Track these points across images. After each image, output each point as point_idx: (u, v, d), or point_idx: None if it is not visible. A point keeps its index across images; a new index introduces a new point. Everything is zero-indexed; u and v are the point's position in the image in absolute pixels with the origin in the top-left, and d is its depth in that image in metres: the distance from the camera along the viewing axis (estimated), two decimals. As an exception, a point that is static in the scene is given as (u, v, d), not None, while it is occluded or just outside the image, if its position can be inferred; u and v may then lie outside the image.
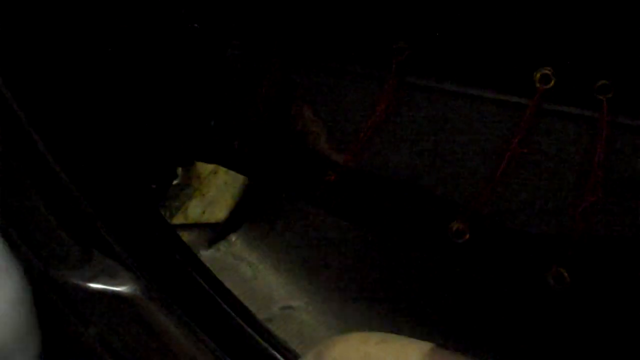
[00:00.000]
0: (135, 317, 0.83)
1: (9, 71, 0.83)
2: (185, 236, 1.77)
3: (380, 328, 1.60)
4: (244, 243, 1.86)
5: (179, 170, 1.41)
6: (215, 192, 1.77)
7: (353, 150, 0.85)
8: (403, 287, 1.64)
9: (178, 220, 1.72)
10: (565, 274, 0.76)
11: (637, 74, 0.73)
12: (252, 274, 1.81)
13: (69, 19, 0.92)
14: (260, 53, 0.94)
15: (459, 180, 0.80)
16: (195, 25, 1.03)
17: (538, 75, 0.77)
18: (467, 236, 0.80)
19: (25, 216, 0.83)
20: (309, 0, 0.91)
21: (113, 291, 0.83)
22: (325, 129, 0.88)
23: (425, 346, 0.74)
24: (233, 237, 1.84)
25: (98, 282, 0.83)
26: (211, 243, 1.81)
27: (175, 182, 1.28)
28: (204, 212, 1.79)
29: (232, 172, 1.42)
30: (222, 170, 1.65)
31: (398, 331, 1.54)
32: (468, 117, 0.80)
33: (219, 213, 1.83)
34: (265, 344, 0.93)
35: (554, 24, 0.77)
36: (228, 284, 1.72)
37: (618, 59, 0.74)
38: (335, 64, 0.88)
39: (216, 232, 1.83)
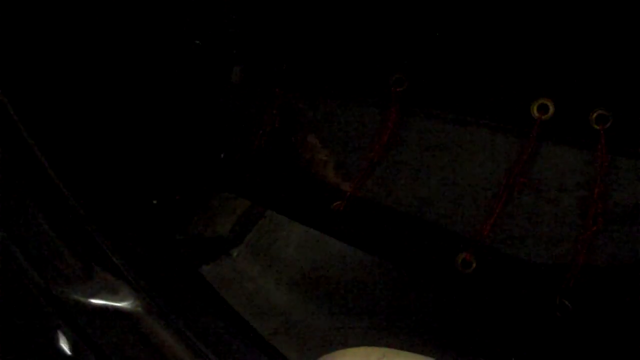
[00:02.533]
0: (136, 332, 0.82)
1: (19, 94, 0.82)
2: (187, 251, 1.76)
3: (382, 342, 1.59)
4: (245, 257, 1.85)
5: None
6: (217, 206, 1.76)
7: (359, 178, 0.85)
8: (404, 301, 1.64)
9: (179, 236, 1.72)
10: (568, 304, 0.76)
11: (635, 104, 0.73)
12: (253, 288, 1.80)
13: (77, 46, 0.92)
14: (263, 81, 0.94)
15: (463, 208, 0.80)
16: (198, 42, 1.03)
17: (536, 105, 0.76)
18: (474, 266, 0.80)
19: (27, 232, 0.82)
20: (308, 30, 0.91)
21: (114, 307, 0.82)
22: (332, 157, 0.88)
23: (424, 362, 0.73)
24: (234, 252, 1.84)
25: (99, 298, 0.82)
26: (213, 258, 1.81)
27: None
28: (205, 229, 1.78)
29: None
30: (223, 185, 1.64)
31: (399, 345, 1.53)
32: (469, 145, 0.80)
33: (221, 228, 1.83)
34: (266, 359, 0.93)
35: (551, 55, 0.76)
36: (229, 298, 1.72)
37: (615, 90, 0.74)
38: (338, 94, 0.88)
39: (217, 248, 1.83)
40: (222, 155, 0.98)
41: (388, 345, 1.53)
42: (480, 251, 0.80)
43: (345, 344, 1.58)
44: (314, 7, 0.92)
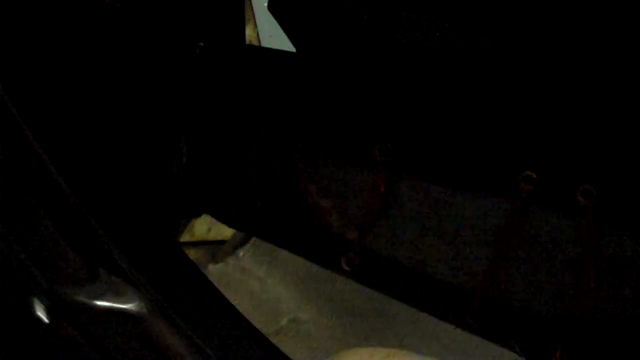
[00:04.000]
0: (141, 334, 0.81)
1: (21, 92, 0.82)
2: (192, 253, 1.76)
3: (387, 341, 1.58)
4: (251, 257, 1.84)
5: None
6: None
7: (361, 230, 0.86)
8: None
9: (184, 238, 1.71)
10: (566, 357, 0.76)
11: (619, 181, 0.73)
12: (260, 287, 1.80)
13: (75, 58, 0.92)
14: (253, 130, 0.96)
15: (464, 264, 0.81)
16: (201, 44, 1.03)
17: (522, 177, 0.77)
18: (478, 317, 0.81)
19: (33, 234, 0.81)
20: (293, 96, 0.93)
21: (119, 308, 0.81)
22: (333, 207, 0.88)
23: (428, 362, 0.73)
24: (241, 252, 1.83)
25: (104, 300, 0.81)
26: (219, 258, 1.80)
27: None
28: (210, 230, 1.78)
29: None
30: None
31: (404, 344, 1.52)
32: (460, 206, 0.81)
33: (225, 230, 1.82)
34: (271, 360, 0.92)
35: (536, 131, 0.77)
36: (236, 298, 1.71)
37: (600, 167, 0.73)
38: (331, 155, 0.89)
39: (223, 248, 1.82)
40: (232, 210, 1.00)
41: (394, 343, 1.51)
42: (483, 304, 0.80)
43: (350, 343, 1.57)
44: (301, 84, 0.94)
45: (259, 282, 1.81)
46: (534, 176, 0.76)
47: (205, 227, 1.75)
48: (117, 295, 0.82)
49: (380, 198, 0.84)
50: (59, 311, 0.81)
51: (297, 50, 0.99)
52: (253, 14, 1.91)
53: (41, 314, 0.81)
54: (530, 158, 0.77)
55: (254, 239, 1.85)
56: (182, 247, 0.97)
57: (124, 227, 0.86)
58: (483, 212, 0.80)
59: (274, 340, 1.01)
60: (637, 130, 0.73)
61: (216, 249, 1.83)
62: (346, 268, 0.87)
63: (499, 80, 0.80)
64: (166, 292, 0.83)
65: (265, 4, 0.98)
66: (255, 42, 1.96)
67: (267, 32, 1.95)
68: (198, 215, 1.20)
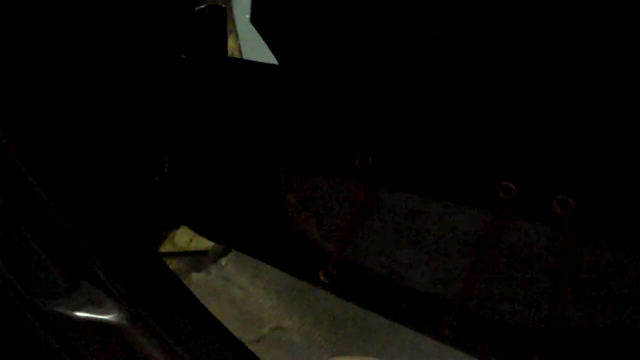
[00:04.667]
0: (121, 345, 0.81)
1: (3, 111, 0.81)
2: (174, 264, 1.75)
3: (369, 349, 1.58)
4: (234, 266, 1.84)
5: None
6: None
7: (340, 243, 0.86)
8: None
9: (166, 248, 1.71)
10: None
11: (598, 189, 0.74)
12: (242, 296, 1.80)
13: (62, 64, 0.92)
14: (232, 141, 0.96)
15: (442, 274, 0.81)
16: (183, 56, 1.02)
17: (500, 187, 0.77)
18: (456, 327, 0.81)
19: (12, 244, 0.81)
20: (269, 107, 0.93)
21: (99, 320, 0.81)
22: (313, 218, 0.88)
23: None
24: (223, 261, 1.83)
25: (84, 311, 0.81)
26: (202, 267, 1.80)
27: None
28: (191, 240, 1.78)
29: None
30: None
31: (386, 352, 1.53)
32: (439, 215, 0.81)
33: (207, 240, 1.82)
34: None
35: (512, 141, 0.78)
36: (220, 308, 1.70)
37: (575, 178, 0.74)
38: (310, 165, 0.89)
39: (206, 257, 1.82)
40: (211, 222, 1.00)
41: (374, 352, 1.52)
42: (460, 315, 0.80)
43: (332, 351, 1.57)
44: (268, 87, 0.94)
45: (241, 291, 1.81)
46: (512, 186, 0.76)
47: (186, 238, 1.75)
48: (96, 306, 0.81)
49: (359, 209, 0.84)
50: (38, 322, 0.80)
51: (279, 62, 0.99)
52: (235, 26, 1.91)
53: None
54: (507, 168, 0.77)
55: (236, 248, 1.84)
56: (163, 258, 0.97)
57: (103, 238, 0.86)
58: (461, 223, 0.80)
59: (256, 348, 1.01)
60: (615, 140, 0.74)
61: (198, 259, 1.83)
62: (324, 280, 0.87)
63: (477, 91, 0.81)
64: (146, 302, 0.83)
65: (247, 16, 0.98)
66: (237, 54, 1.96)
67: (249, 44, 1.96)
68: (177, 227, 1.20)
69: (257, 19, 0.96)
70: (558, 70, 0.76)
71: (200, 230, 1.04)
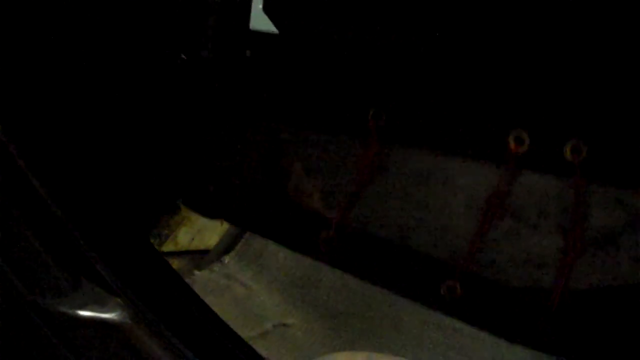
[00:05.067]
0: (124, 343, 0.81)
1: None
2: (176, 263, 1.75)
3: (371, 346, 1.58)
4: (237, 264, 1.84)
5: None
6: (205, 219, 1.75)
7: (343, 207, 0.85)
8: (396, 306, 1.63)
9: (168, 247, 1.70)
10: (550, 328, 0.76)
11: (607, 134, 0.73)
12: (245, 293, 1.79)
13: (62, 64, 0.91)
14: (246, 110, 0.94)
15: (446, 235, 0.80)
16: (183, 56, 1.02)
17: (512, 137, 0.76)
18: (459, 292, 0.80)
19: (14, 244, 0.81)
20: (288, 65, 0.92)
21: (102, 318, 0.80)
22: (316, 185, 0.88)
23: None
24: (226, 259, 1.83)
25: (87, 310, 0.80)
26: (204, 265, 1.80)
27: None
28: (193, 239, 1.77)
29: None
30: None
31: (388, 349, 1.52)
32: (449, 172, 0.80)
33: (209, 239, 1.82)
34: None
35: (525, 88, 0.77)
36: (223, 305, 1.70)
37: (588, 122, 0.74)
38: (320, 126, 0.88)
39: (208, 255, 1.81)
40: (211, 189, 0.98)
41: (376, 349, 1.51)
42: (465, 277, 0.79)
43: (335, 348, 1.57)
44: (292, 46, 0.92)
45: (244, 288, 1.80)
46: (524, 136, 0.76)
47: (188, 237, 1.74)
48: (99, 305, 0.81)
49: (368, 170, 0.83)
50: (41, 321, 0.80)
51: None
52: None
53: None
54: (518, 117, 0.76)
55: (239, 246, 1.84)
56: (165, 257, 0.97)
57: (105, 236, 0.85)
58: (471, 181, 0.79)
59: (259, 344, 1.00)
60: (627, 86, 0.73)
61: (200, 257, 1.82)
62: (324, 248, 0.86)
63: (487, 40, 0.79)
64: (149, 300, 0.83)
65: (260, 6, 0.98)
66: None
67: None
68: (174, 210, 1.19)
69: (271, 7, 0.95)
70: (567, 14, 0.74)
71: (195, 204, 1.02)
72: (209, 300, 0.92)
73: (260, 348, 0.93)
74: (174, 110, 1.01)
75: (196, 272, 1.80)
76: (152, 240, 1.52)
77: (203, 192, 0.99)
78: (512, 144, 0.76)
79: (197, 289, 0.92)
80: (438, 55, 0.81)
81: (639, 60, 0.72)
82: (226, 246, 1.83)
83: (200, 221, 1.74)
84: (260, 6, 0.97)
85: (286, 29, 0.95)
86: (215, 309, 0.91)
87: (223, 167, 0.96)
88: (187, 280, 0.94)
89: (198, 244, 1.78)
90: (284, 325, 1.71)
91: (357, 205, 0.84)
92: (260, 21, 0.98)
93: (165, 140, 1.01)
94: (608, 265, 0.73)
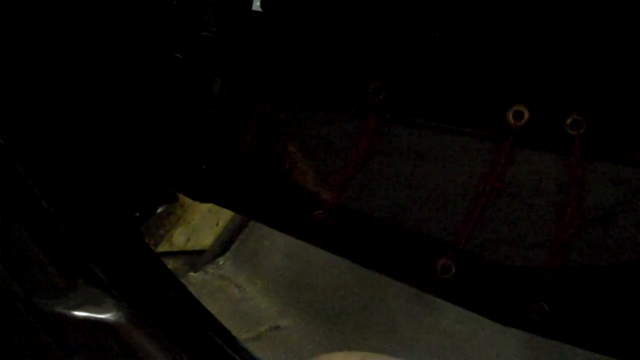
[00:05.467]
0: (120, 344, 0.81)
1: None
2: (171, 263, 1.75)
3: (365, 348, 1.58)
4: (231, 266, 1.84)
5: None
6: (200, 219, 1.75)
7: (338, 187, 0.84)
8: (391, 308, 1.63)
9: (163, 248, 1.70)
10: (546, 307, 0.75)
11: (608, 108, 0.73)
12: (240, 295, 1.80)
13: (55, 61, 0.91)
14: (243, 92, 0.94)
15: (442, 214, 0.80)
16: (178, 55, 1.02)
17: (511, 112, 0.76)
18: (453, 271, 0.80)
19: (10, 245, 0.81)
20: (284, 42, 0.91)
21: (97, 319, 0.80)
22: (311, 166, 0.87)
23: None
24: (221, 260, 1.83)
25: (82, 310, 0.80)
26: (199, 267, 1.80)
27: (159, 210, 1.27)
28: (188, 240, 1.77)
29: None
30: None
31: (382, 351, 1.53)
32: (447, 151, 0.80)
33: (204, 240, 1.82)
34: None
35: (525, 62, 0.76)
36: (217, 306, 1.70)
37: (588, 95, 0.73)
38: (317, 104, 0.88)
39: (203, 257, 1.81)
40: (203, 167, 0.97)
41: (371, 351, 1.52)
42: (459, 256, 0.79)
43: (329, 349, 1.57)
44: (289, 20, 0.92)
45: (239, 290, 1.81)
46: (524, 110, 0.75)
47: (184, 238, 1.74)
48: (95, 305, 0.81)
49: (365, 149, 0.83)
50: (37, 322, 0.80)
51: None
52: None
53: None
54: (518, 92, 0.76)
55: (234, 247, 1.84)
56: (161, 257, 0.96)
57: (101, 237, 0.85)
58: (469, 158, 0.79)
59: (254, 346, 1.00)
60: (626, 61, 0.73)
61: (195, 258, 1.82)
62: (317, 230, 0.86)
63: (484, 13, 0.79)
64: (144, 301, 0.83)
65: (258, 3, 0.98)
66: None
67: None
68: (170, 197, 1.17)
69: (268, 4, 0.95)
70: None
71: (186, 186, 1.01)
72: (204, 302, 0.92)
73: (254, 350, 0.93)
74: (169, 92, 1.00)
75: (191, 274, 1.80)
76: (147, 241, 1.52)
77: (194, 172, 0.98)
78: (511, 118, 0.76)
79: (191, 290, 0.92)
80: (437, 30, 0.81)
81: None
82: (221, 248, 1.83)
83: (196, 221, 1.74)
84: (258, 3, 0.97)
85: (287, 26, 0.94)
86: (210, 310, 0.91)
87: (216, 147, 0.96)
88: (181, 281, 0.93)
89: (193, 244, 1.78)
90: (278, 327, 1.71)
91: (352, 185, 0.84)
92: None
93: (158, 122, 1.00)
94: (605, 245, 0.73)
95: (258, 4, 0.98)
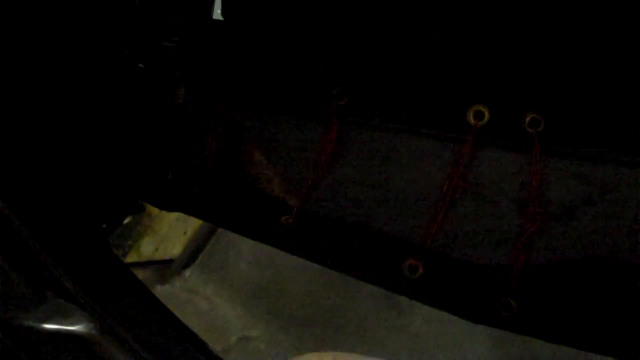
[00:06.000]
0: (91, 355, 0.80)
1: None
2: (140, 274, 1.73)
3: (338, 350, 1.58)
4: (198, 277, 1.83)
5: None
6: (167, 228, 1.74)
7: (304, 192, 0.85)
8: (360, 312, 1.64)
9: (132, 258, 1.69)
10: (513, 303, 0.77)
11: (566, 106, 0.75)
12: (208, 306, 1.78)
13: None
14: (206, 100, 0.94)
15: (407, 215, 0.81)
16: (140, 65, 1.02)
17: (472, 112, 0.78)
18: (421, 271, 0.81)
19: (-24, 261, 0.79)
20: (247, 48, 0.92)
21: (68, 331, 0.79)
22: (277, 172, 0.88)
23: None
24: (187, 273, 1.82)
25: (52, 323, 0.79)
26: (166, 279, 1.78)
27: (126, 221, 1.26)
28: (157, 249, 1.76)
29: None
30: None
31: (356, 351, 1.53)
32: (410, 153, 0.81)
33: (172, 249, 1.80)
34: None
35: (483, 63, 0.78)
36: (185, 319, 1.69)
37: (546, 94, 0.75)
38: (281, 110, 0.88)
39: (170, 269, 1.80)
40: (169, 176, 0.97)
41: (342, 350, 1.52)
42: (426, 256, 0.80)
43: (299, 354, 1.57)
44: (250, 27, 0.93)
45: (206, 302, 1.80)
46: (484, 110, 0.77)
47: (152, 247, 1.73)
48: (65, 318, 0.80)
49: (329, 153, 0.84)
50: (7, 337, 0.79)
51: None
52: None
53: None
54: (477, 92, 0.77)
55: (200, 258, 1.83)
56: (127, 266, 0.96)
57: (69, 249, 0.85)
58: (432, 159, 0.80)
59: (225, 358, 1.00)
60: (582, 58, 0.75)
61: (163, 270, 1.81)
62: (284, 235, 0.86)
63: (441, 16, 0.80)
64: (114, 311, 0.82)
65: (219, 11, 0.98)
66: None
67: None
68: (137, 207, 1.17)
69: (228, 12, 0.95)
70: None
71: (152, 195, 1.00)
72: (172, 315, 0.91)
73: (224, 361, 0.93)
74: (132, 102, 1.00)
75: (158, 288, 1.78)
76: (115, 252, 1.50)
77: (161, 182, 0.97)
78: (471, 118, 0.77)
79: (159, 304, 0.91)
80: (396, 33, 0.82)
81: (593, 34, 0.74)
82: (188, 258, 1.82)
83: (164, 231, 1.73)
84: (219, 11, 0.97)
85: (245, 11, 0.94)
86: (179, 322, 0.91)
87: (182, 156, 0.96)
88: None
89: (162, 254, 1.77)
90: (248, 337, 1.70)
91: (318, 190, 0.85)
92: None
93: (122, 133, 1.00)
94: (568, 239, 0.75)
95: (219, 12, 0.99)
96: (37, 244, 0.81)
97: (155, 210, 1.64)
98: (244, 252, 1.81)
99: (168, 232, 1.75)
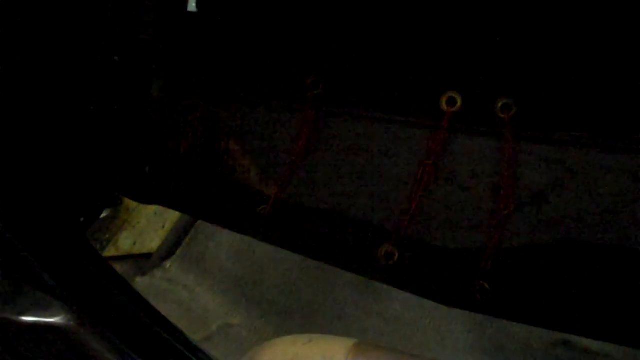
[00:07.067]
0: (69, 346, 0.80)
1: None
2: (119, 267, 1.72)
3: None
4: (178, 268, 1.82)
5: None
6: (146, 222, 1.73)
7: (281, 182, 0.85)
8: (339, 299, 1.65)
9: (110, 252, 1.68)
10: (487, 286, 0.78)
11: (537, 91, 0.76)
12: (188, 296, 1.78)
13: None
14: (183, 93, 0.94)
15: (382, 202, 0.81)
16: (116, 58, 1.01)
17: (444, 99, 0.79)
18: (396, 257, 0.81)
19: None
20: (223, 40, 0.92)
21: (46, 322, 0.79)
22: (254, 162, 0.88)
23: (349, 342, 0.74)
24: (167, 264, 1.81)
25: (30, 315, 0.79)
26: (146, 271, 1.78)
27: (103, 215, 1.25)
28: (135, 243, 1.75)
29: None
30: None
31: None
32: (384, 140, 0.81)
33: (150, 243, 1.80)
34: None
35: (456, 50, 0.79)
36: (166, 309, 1.69)
37: (517, 79, 0.76)
38: (257, 101, 0.88)
39: (150, 261, 1.79)
40: (146, 169, 0.97)
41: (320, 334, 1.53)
42: (401, 242, 0.81)
43: (280, 341, 1.58)
44: (225, 19, 0.93)
45: (187, 292, 1.79)
46: (457, 97, 0.78)
47: (130, 241, 1.72)
48: (42, 310, 0.80)
49: (304, 142, 0.84)
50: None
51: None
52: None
53: None
54: (451, 78, 0.78)
55: (180, 250, 1.83)
56: (104, 258, 0.96)
57: (46, 241, 0.84)
58: (406, 146, 0.81)
59: (205, 346, 1.00)
60: (554, 44, 0.76)
61: (142, 262, 1.80)
62: (261, 225, 0.87)
63: (413, 5, 0.81)
64: (93, 303, 0.82)
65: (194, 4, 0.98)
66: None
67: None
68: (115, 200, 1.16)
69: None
70: None
71: (130, 189, 1.00)
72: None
73: (205, 350, 0.93)
74: (108, 97, 0.99)
75: (137, 279, 1.78)
76: (94, 246, 1.49)
77: (137, 175, 0.97)
78: (444, 105, 0.78)
79: (139, 295, 0.91)
80: (368, 22, 0.83)
81: (564, 20, 0.75)
82: (167, 251, 1.82)
83: (142, 225, 1.72)
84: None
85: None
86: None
87: (159, 149, 0.95)
88: (129, 286, 0.93)
89: (140, 248, 1.76)
90: (228, 325, 1.71)
91: (294, 180, 0.85)
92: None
93: (99, 126, 0.99)
94: (540, 222, 0.76)
95: (194, 4, 0.99)
96: (14, 237, 0.80)
97: (132, 204, 1.64)
98: (223, 243, 1.81)
99: (146, 226, 1.74)
